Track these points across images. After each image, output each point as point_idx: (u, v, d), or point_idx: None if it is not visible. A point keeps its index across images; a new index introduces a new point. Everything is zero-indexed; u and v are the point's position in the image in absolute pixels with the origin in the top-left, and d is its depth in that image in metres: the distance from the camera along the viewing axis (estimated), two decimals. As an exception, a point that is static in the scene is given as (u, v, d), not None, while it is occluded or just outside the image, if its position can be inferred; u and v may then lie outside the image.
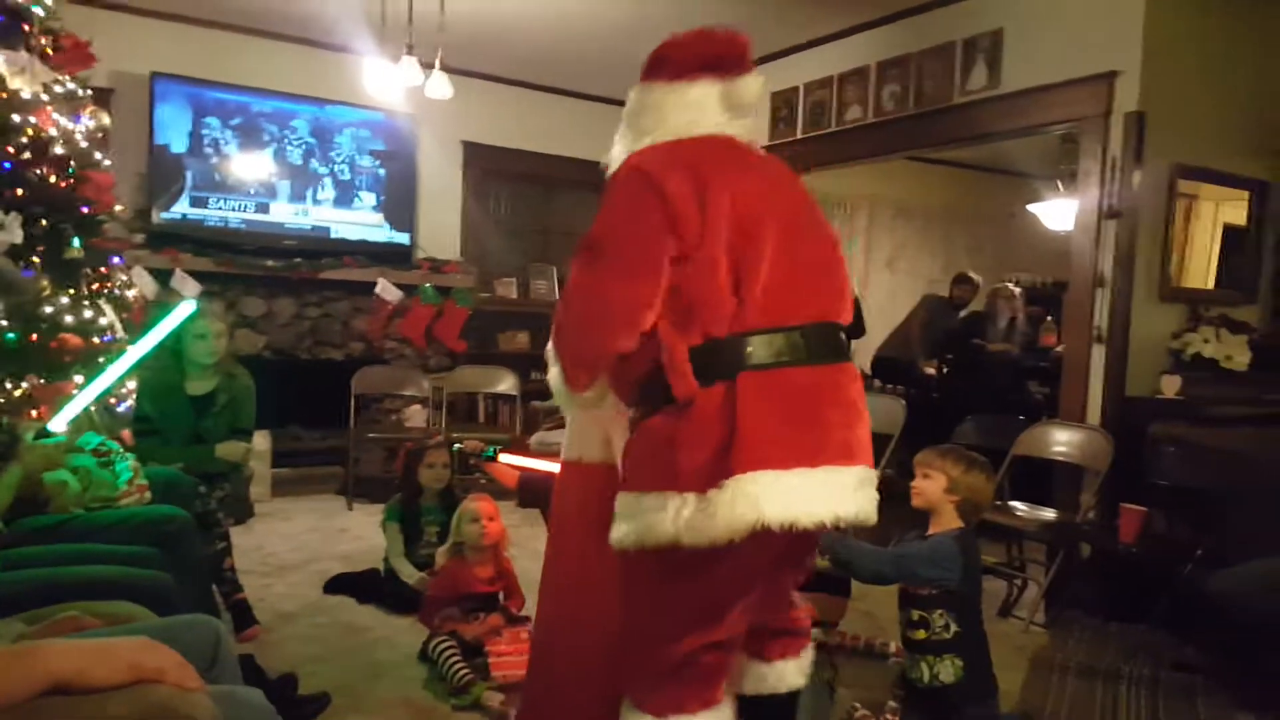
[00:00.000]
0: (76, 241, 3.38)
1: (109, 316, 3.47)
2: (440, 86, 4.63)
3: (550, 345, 1.96)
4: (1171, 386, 4.15)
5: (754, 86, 1.99)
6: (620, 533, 1.84)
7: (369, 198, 6.34)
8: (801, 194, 2.00)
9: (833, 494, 1.75)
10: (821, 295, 1.90)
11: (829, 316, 1.90)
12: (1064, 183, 6.21)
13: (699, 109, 1.96)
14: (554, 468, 2.12)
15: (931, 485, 2.66)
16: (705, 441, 1.74)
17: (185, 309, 2.83)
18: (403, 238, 6.48)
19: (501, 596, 3.48)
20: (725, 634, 1.89)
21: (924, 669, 2.63)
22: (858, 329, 6.01)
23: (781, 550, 1.79)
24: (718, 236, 1.78)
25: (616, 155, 2.03)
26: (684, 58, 1.95)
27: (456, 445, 3.32)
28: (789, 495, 1.70)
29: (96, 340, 3.33)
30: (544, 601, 2.34)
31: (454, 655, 3.08)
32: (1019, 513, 4.30)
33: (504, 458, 3.20)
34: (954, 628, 2.60)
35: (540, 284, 7.26)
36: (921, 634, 2.63)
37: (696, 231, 1.78)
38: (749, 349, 1.77)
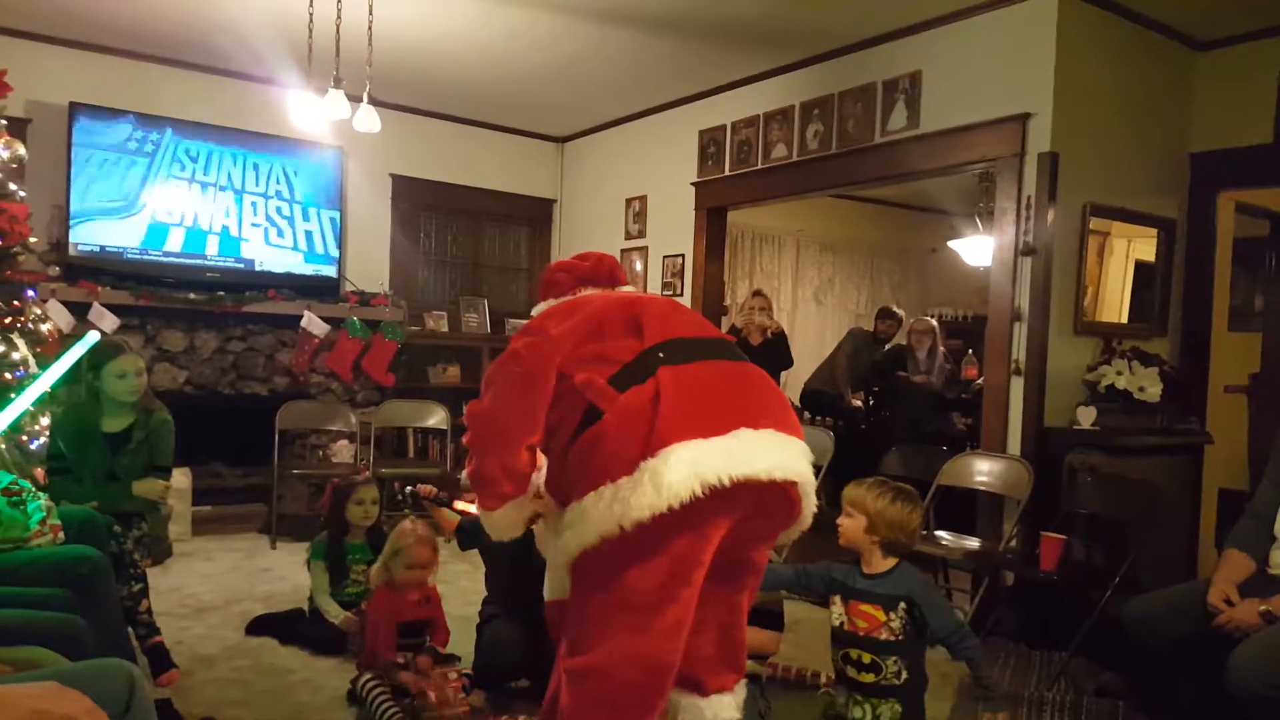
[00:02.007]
0: (-12, 274, 3.30)
1: (22, 351, 3.38)
2: (368, 119, 4.60)
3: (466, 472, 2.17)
4: (1087, 417, 4.27)
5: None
6: (562, 543, 1.92)
7: (295, 230, 6.26)
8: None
9: (753, 451, 1.90)
10: (707, 325, 2.26)
11: (719, 335, 2.24)
12: (982, 220, 6.40)
13: None
14: None
15: (852, 525, 2.65)
16: (633, 432, 1.88)
17: (87, 341, 2.75)
18: (329, 270, 6.40)
19: (427, 636, 3.42)
20: (658, 645, 1.91)
21: (866, 710, 2.63)
22: (785, 359, 6.16)
23: (714, 529, 1.91)
24: (595, 314, 2.12)
25: None
26: (566, 279, 2.35)
27: (410, 488, 3.32)
28: (715, 456, 1.85)
29: (9, 375, 3.24)
30: None
31: (384, 695, 3.02)
32: (944, 542, 4.37)
33: (459, 505, 3.23)
34: (905, 674, 2.62)
35: (471, 317, 7.22)
36: (870, 677, 2.62)
37: (580, 320, 2.11)
38: (660, 354, 2.00)
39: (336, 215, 6.43)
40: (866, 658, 2.63)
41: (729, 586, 2.12)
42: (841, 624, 2.71)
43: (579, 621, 1.97)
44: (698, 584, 1.94)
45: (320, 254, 6.36)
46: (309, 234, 6.31)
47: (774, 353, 5.89)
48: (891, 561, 2.66)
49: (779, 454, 1.93)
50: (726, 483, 1.83)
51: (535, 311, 2.33)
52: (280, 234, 6.20)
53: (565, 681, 1.96)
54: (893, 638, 2.62)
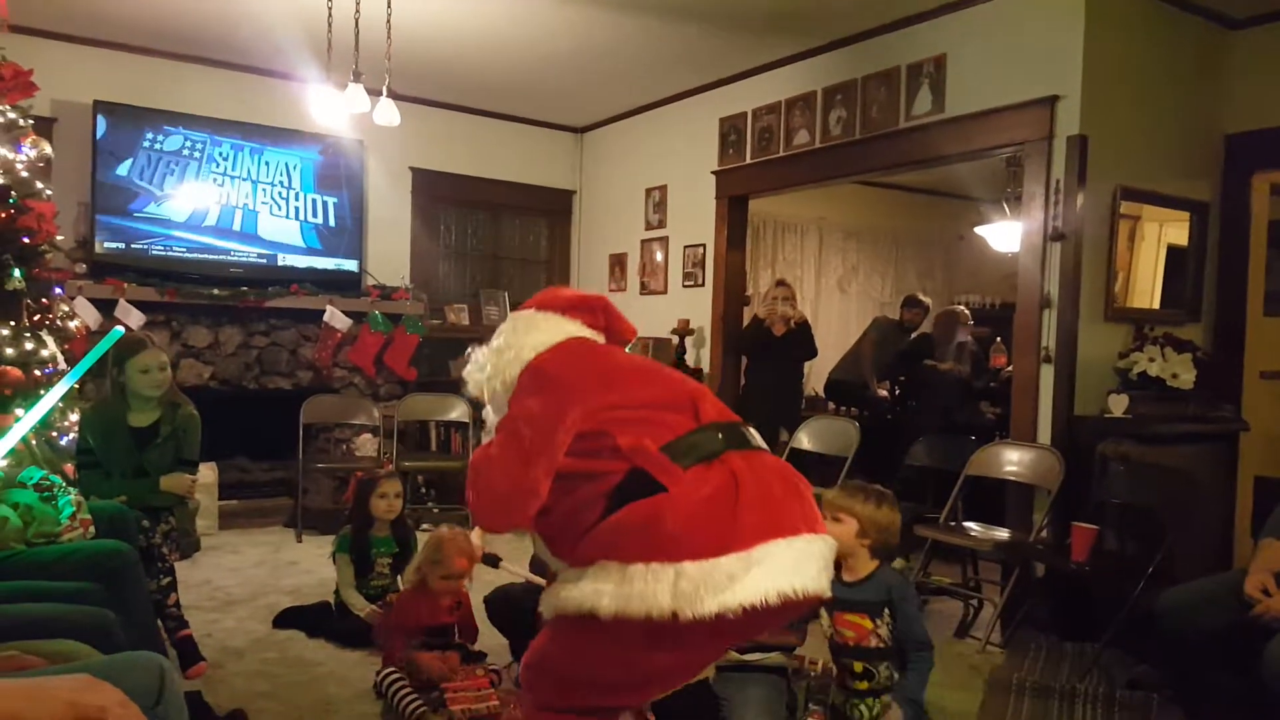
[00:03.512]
0: (17, 273, 3.32)
1: (51, 348, 3.40)
2: (388, 113, 4.60)
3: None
4: (1119, 405, 4.21)
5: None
6: (596, 597, 1.80)
7: (316, 225, 6.27)
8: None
9: (819, 562, 1.82)
10: (725, 409, 2.06)
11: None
12: (1010, 205, 6.32)
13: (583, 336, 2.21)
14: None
15: (843, 530, 2.64)
16: (711, 520, 1.77)
17: (112, 336, 2.77)
18: (351, 265, 6.41)
19: (456, 632, 3.42)
20: (647, 700, 1.95)
21: (864, 710, 2.66)
22: (809, 349, 6.12)
23: (754, 630, 1.92)
24: (623, 373, 2.04)
25: (509, 360, 2.11)
26: (599, 315, 2.24)
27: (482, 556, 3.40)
28: (794, 564, 1.76)
29: (38, 372, 3.26)
30: None
31: (405, 688, 3.02)
32: (973, 533, 4.32)
33: (505, 565, 3.28)
34: (897, 675, 2.65)
35: (491, 310, 7.22)
36: (865, 684, 2.66)
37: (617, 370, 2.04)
38: (720, 435, 1.88)
39: (358, 209, 6.44)
40: (859, 666, 2.67)
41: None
42: (830, 636, 2.75)
43: (578, 666, 1.94)
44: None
45: (342, 248, 6.37)
46: (330, 228, 6.33)
47: (797, 343, 5.85)
48: (874, 564, 2.67)
49: (828, 562, 1.86)
50: (800, 596, 1.75)
51: (523, 318, 2.19)
52: (302, 229, 6.22)
53: (533, 703, 2.01)
54: (882, 644, 2.65)
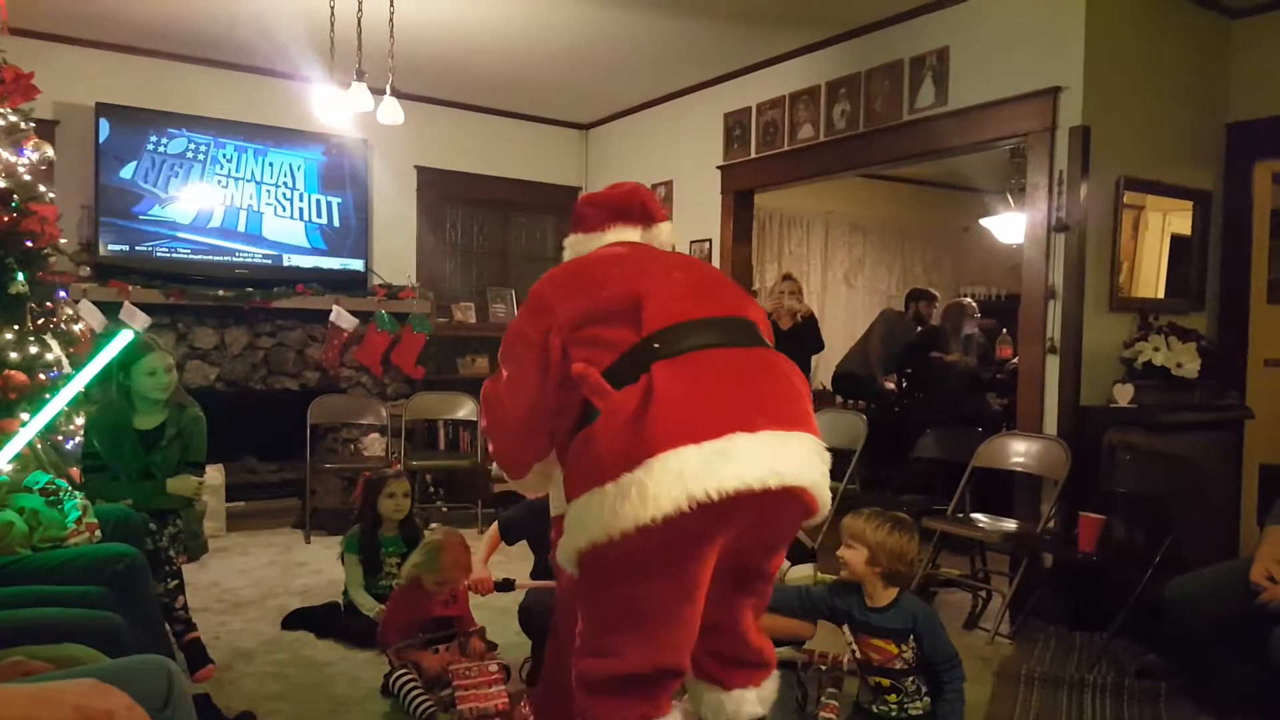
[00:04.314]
0: (21, 276, 3.32)
1: (55, 352, 3.40)
2: (391, 112, 4.60)
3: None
4: (1124, 395, 4.20)
5: (664, 233, 2.36)
6: (565, 539, 1.88)
7: (321, 225, 6.28)
8: (697, 261, 2.37)
9: (745, 461, 1.75)
10: (726, 300, 2.06)
11: (738, 313, 2.03)
12: (1014, 197, 6.30)
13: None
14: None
15: (855, 556, 2.65)
16: (621, 437, 1.79)
17: (122, 340, 2.78)
18: (356, 264, 6.42)
19: (467, 624, 3.43)
20: (665, 658, 1.89)
21: (893, 705, 2.66)
22: (816, 343, 6.10)
23: (711, 544, 1.84)
24: (598, 284, 2.03)
25: None
26: (594, 214, 2.33)
27: (467, 584, 3.38)
28: (702, 466, 1.72)
29: (43, 376, 3.27)
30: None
31: (415, 687, 3.02)
32: (981, 524, 4.32)
33: (520, 584, 3.31)
34: (924, 687, 2.66)
35: (499, 308, 7.22)
36: (893, 698, 2.68)
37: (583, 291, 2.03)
38: (655, 345, 1.86)
39: (363, 208, 6.45)
40: (885, 682, 2.68)
41: (745, 594, 2.09)
42: (855, 653, 2.75)
43: (587, 620, 1.95)
44: (699, 600, 1.89)
45: (347, 248, 6.38)
46: (336, 228, 6.34)
47: (804, 337, 5.84)
48: (893, 592, 2.67)
49: (777, 460, 1.78)
50: (715, 498, 1.71)
51: (566, 242, 2.37)
52: (307, 229, 6.23)
53: (575, 680, 1.96)
54: (907, 666, 2.66)
